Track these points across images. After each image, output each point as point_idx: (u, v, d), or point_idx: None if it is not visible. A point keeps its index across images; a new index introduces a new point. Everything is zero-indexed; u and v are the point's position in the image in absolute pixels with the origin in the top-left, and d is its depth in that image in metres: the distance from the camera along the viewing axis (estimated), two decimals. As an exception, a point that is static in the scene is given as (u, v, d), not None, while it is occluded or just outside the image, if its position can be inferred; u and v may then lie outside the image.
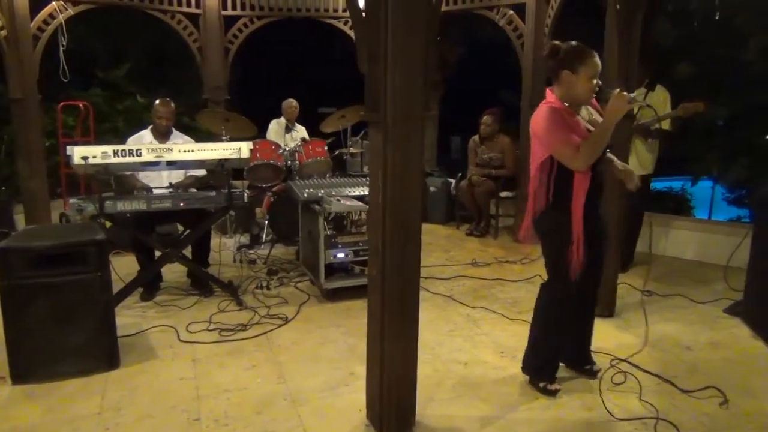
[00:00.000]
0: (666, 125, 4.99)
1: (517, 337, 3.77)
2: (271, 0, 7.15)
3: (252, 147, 4.68)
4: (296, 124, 6.87)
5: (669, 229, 5.96)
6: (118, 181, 4.54)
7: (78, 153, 3.74)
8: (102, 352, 3.30)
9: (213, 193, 4.27)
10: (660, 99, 4.97)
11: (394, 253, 2.45)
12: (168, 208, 4.10)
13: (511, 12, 6.36)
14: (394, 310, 2.52)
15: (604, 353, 3.47)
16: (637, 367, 3.35)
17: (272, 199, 5.73)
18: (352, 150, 6.80)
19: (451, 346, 3.72)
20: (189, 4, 6.81)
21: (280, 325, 4.01)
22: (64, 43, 5.99)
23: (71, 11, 5.98)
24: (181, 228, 4.94)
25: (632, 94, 2.75)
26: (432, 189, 7.57)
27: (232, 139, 5.51)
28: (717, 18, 4.24)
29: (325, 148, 5.98)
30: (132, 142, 4.65)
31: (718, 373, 3.32)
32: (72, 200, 3.94)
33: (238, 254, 5.61)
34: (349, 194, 4.74)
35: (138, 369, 3.36)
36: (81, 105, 7.01)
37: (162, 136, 4.80)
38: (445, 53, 9.61)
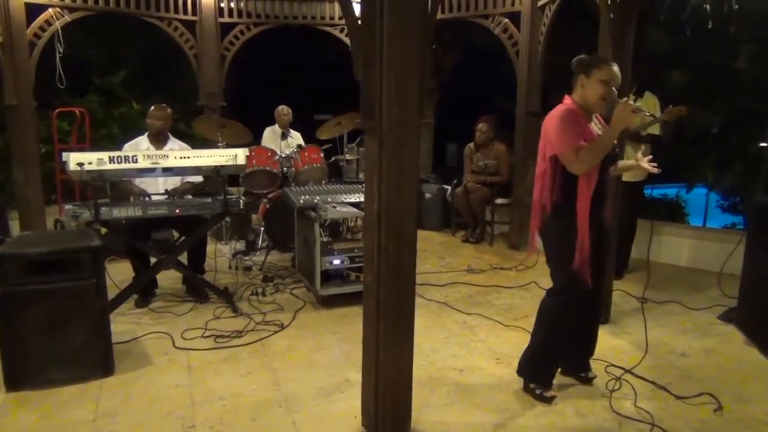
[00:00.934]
0: (656, 130, 5.03)
1: (512, 343, 3.78)
2: (268, 7, 7.17)
3: (248, 153, 4.69)
4: (291, 130, 6.88)
5: (663, 236, 5.98)
6: (114, 187, 4.54)
7: (73, 159, 3.74)
8: (97, 359, 3.28)
9: (209, 200, 4.27)
10: (649, 105, 5.00)
11: (390, 260, 2.46)
12: (164, 215, 4.10)
13: (506, 20, 6.40)
14: (389, 317, 2.52)
15: (599, 360, 3.46)
16: (631, 373, 3.35)
17: (268, 206, 5.73)
18: (347, 157, 6.81)
19: (447, 352, 3.72)
20: (185, 12, 6.83)
21: (276, 332, 4.00)
22: (61, 50, 5.99)
23: (67, 18, 5.99)
24: (176, 234, 4.93)
25: (638, 104, 2.78)
26: (428, 196, 7.59)
27: (228, 146, 5.52)
28: (709, 26, 4.27)
29: (321, 154, 5.99)
30: (128, 149, 4.65)
31: (713, 380, 3.33)
32: (67, 206, 3.93)
33: (233, 261, 5.60)
34: (345, 201, 4.75)
35: (133, 376, 3.35)
36: (77, 111, 7.00)
37: (158, 141, 4.80)
38: (440, 61, 9.65)
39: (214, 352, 3.67)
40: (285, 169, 5.86)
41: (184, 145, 4.94)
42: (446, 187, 7.55)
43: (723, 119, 8.56)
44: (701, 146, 9.08)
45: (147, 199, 4.29)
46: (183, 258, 4.62)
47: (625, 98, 2.82)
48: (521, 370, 3.20)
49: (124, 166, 3.87)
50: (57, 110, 6.89)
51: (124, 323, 4.10)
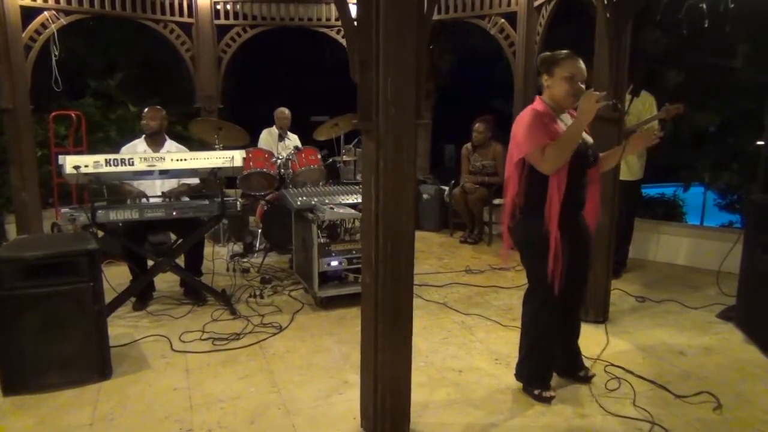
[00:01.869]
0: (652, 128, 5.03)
1: (511, 344, 3.77)
2: (264, 9, 7.17)
3: (245, 155, 4.68)
4: (289, 132, 6.88)
5: (661, 235, 5.99)
6: (112, 189, 4.53)
7: (70, 162, 3.73)
8: (94, 363, 3.27)
9: (206, 202, 4.25)
10: (646, 104, 5.02)
11: (387, 261, 2.46)
12: (161, 217, 4.09)
13: (503, 21, 6.41)
14: (387, 318, 2.52)
15: (599, 360, 3.48)
16: (631, 372, 3.36)
17: (265, 208, 5.73)
18: (345, 158, 6.81)
19: (445, 353, 3.71)
20: (182, 14, 6.84)
21: (274, 334, 4.00)
22: (57, 53, 5.98)
23: (63, 21, 5.98)
24: (173, 237, 4.93)
25: (602, 93, 2.75)
26: (425, 197, 7.59)
27: (225, 148, 5.52)
28: (706, 26, 4.28)
29: (319, 156, 5.99)
30: (125, 151, 4.65)
31: (712, 379, 3.33)
32: (64, 210, 3.92)
33: (231, 263, 5.60)
34: (343, 202, 4.74)
35: (130, 379, 3.33)
36: (73, 115, 6.99)
37: (155, 143, 4.80)
38: (437, 62, 9.65)
39: (212, 355, 3.66)
40: (282, 170, 5.85)
41: (181, 147, 4.94)
42: (444, 187, 7.55)
43: (720, 118, 8.60)
44: (698, 145, 9.12)
45: (144, 201, 4.28)
46: (180, 260, 4.61)
47: (591, 89, 2.79)
48: (518, 374, 3.21)
49: (120, 168, 3.86)
50: (53, 113, 6.87)
51: (121, 326, 4.09)
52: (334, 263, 4.48)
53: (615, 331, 4.03)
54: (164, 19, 6.73)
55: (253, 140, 6.52)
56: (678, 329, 4.10)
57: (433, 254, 6.33)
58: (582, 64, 2.87)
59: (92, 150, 7.25)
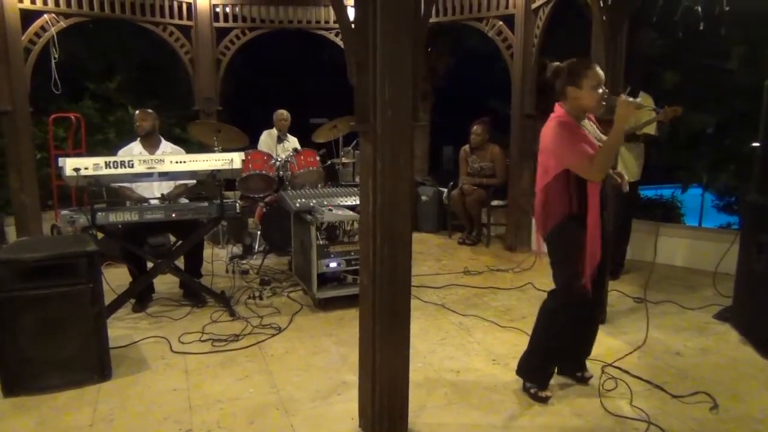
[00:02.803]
0: (651, 130, 5.05)
1: (509, 344, 3.79)
2: (263, 12, 7.19)
3: (244, 158, 4.70)
4: (288, 134, 6.89)
5: (659, 236, 6.00)
6: (112, 192, 4.55)
7: (69, 165, 3.75)
8: (94, 364, 3.28)
9: (205, 204, 4.27)
10: (644, 105, 5.03)
11: (385, 262, 2.47)
12: (160, 219, 4.10)
13: (500, 23, 6.42)
14: (385, 319, 2.53)
15: (596, 360, 3.47)
16: (627, 373, 3.37)
17: (264, 210, 5.74)
18: (343, 160, 6.83)
19: (443, 354, 3.73)
20: (181, 16, 6.85)
21: (273, 335, 4.01)
22: (56, 56, 5.99)
23: (63, 24, 5.99)
24: (173, 239, 4.94)
25: (638, 99, 2.81)
26: (424, 198, 7.61)
27: (223, 150, 5.54)
28: (701, 28, 4.30)
29: (317, 158, 6.00)
30: (122, 154, 4.67)
31: (708, 379, 3.34)
32: (63, 212, 3.94)
33: (230, 264, 5.61)
34: (341, 204, 4.76)
35: (130, 380, 3.35)
36: (72, 117, 7.00)
37: (150, 145, 4.85)
38: (435, 64, 9.66)
39: (211, 356, 3.68)
40: (281, 172, 5.87)
41: (177, 147, 4.97)
42: (442, 189, 7.58)
43: (716, 120, 8.64)
44: (695, 147, 9.15)
45: (143, 203, 4.30)
46: (180, 262, 4.63)
47: (623, 95, 2.82)
48: (520, 370, 3.22)
49: (120, 171, 3.88)
50: (53, 116, 6.89)
51: (121, 328, 4.11)
52: (333, 265, 4.50)
53: (612, 331, 4.06)
54: (163, 21, 6.74)
55: (252, 142, 6.53)
56: (675, 330, 4.12)
57: (432, 256, 6.35)
58: (599, 68, 2.91)
59: (91, 152, 7.27)
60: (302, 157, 5.89)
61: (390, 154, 2.38)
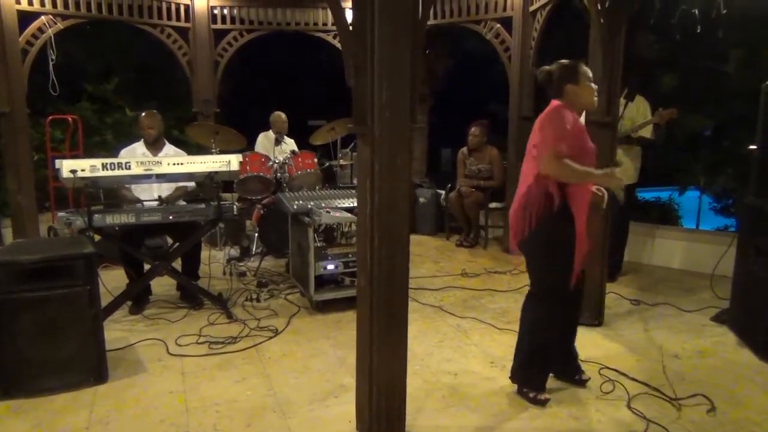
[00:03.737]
0: (647, 133, 5.07)
1: (506, 347, 3.79)
2: (261, 14, 7.20)
3: (242, 160, 4.70)
4: (285, 136, 6.89)
5: (656, 239, 6.03)
6: (110, 192, 4.54)
7: (66, 166, 3.75)
8: (90, 366, 3.28)
9: (202, 206, 4.27)
10: (640, 109, 5.06)
11: (383, 264, 2.47)
12: (157, 221, 4.10)
13: (498, 25, 6.44)
14: (383, 321, 2.53)
15: (593, 362, 3.50)
16: (625, 375, 3.38)
17: (262, 212, 5.74)
18: (341, 162, 6.84)
19: (441, 356, 3.73)
20: (179, 18, 6.85)
21: (270, 338, 4.01)
22: (54, 57, 5.99)
23: (60, 25, 5.98)
24: (170, 241, 4.93)
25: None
26: (422, 200, 7.62)
27: (221, 152, 5.54)
28: (699, 31, 4.32)
29: (315, 160, 6.00)
30: (125, 155, 4.67)
31: (705, 381, 3.35)
32: (60, 214, 3.94)
33: (227, 267, 5.61)
34: (339, 206, 4.76)
35: (127, 383, 3.34)
36: (70, 119, 7.00)
37: (154, 147, 4.83)
38: (433, 66, 9.68)
39: (208, 359, 3.67)
40: (279, 174, 5.86)
41: (179, 150, 4.97)
42: (440, 191, 7.58)
43: (714, 123, 8.68)
44: (693, 149, 9.19)
45: (140, 205, 4.30)
46: (177, 264, 4.63)
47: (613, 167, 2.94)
48: (514, 376, 3.22)
49: (117, 173, 3.88)
50: (50, 117, 6.89)
51: (117, 330, 4.10)
52: (331, 267, 4.50)
53: (609, 334, 4.06)
54: (161, 23, 6.74)
55: (250, 144, 6.54)
56: (672, 332, 4.13)
57: (430, 258, 6.35)
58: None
59: (89, 154, 7.27)
60: (300, 160, 5.89)
61: (388, 156, 2.38)
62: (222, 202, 4.26)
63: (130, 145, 4.92)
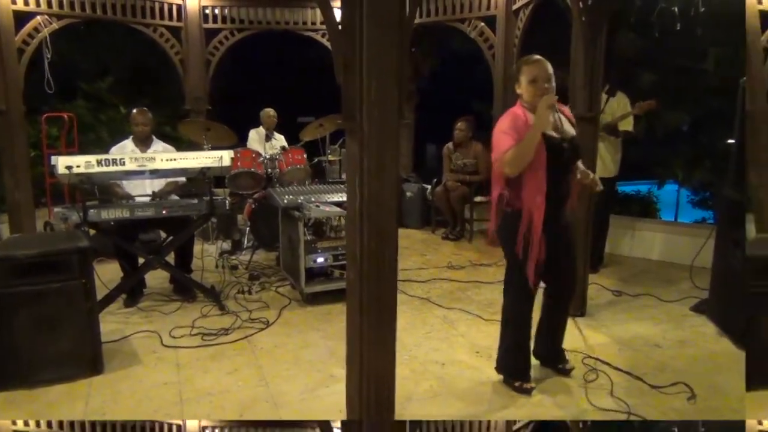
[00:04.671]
0: (628, 126, 5.17)
1: (492, 337, 3.83)
2: (251, 13, 7.26)
3: (233, 155, 4.75)
4: (275, 132, 6.95)
5: (636, 231, 6.12)
6: (103, 190, 4.59)
7: (62, 163, 3.80)
8: (86, 358, 3.32)
9: (195, 201, 4.33)
10: (621, 104, 5.16)
11: (372, 257, 2.49)
12: (151, 216, 4.16)
13: (482, 24, 6.51)
14: (372, 313, 2.56)
15: (577, 352, 3.58)
16: (608, 364, 3.45)
17: (253, 206, 5.80)
18: (330, 158, 6.89)
19: (428, 347, 3.80)
20: (171, 18, 6.91)
21: (262, 329, 4.06)
22: (49, 56, 6.03)
23: (55, 25, 6.03)
24: (164, 235, 4.99)
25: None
26: (408, 194, 7.66)
27: (213, 148, 5.58)
28: (677, 28, 4.41)
29: (304, 156, 6.07)
30: (115, 152, 4.71)
31: (686, 370, 3.41)
32: (56, 209, 3.99)
33: (220, 260, 5.64)
34: (328, 200, 4.82)
35: (122, 374, 3.39)
36: (65, 116, 7.03)
37: (143, 144, 4.88)
38: (419, 64, 9.72)
39: (201, 350, 3.72)
40: (269, 170, 5.92)
41: (168, 146, 5.02)
42: (426, 186, 7.64)
43: (692, 118, 8.81)
44: (672, 144, 9.32)
45: (134, 200, 4.35)
46: (171, 258, 4.68)
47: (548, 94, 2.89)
48: (498, 366, 3.29)
49: (111, 168, 3.93)
50: (45, 115, 6.93)
51: (112, 322, 4.14)
52: (320, 260, 4.55)
53: (592, 324, 4.14)
54: (154, 23, 6.80)
55: (241, 140, 6.59)
56: (653, 322, 4.20)
57: (416, 251, 6.42)
58: (545, 66, 2.96)
59: (84, 151, 7.30)
60: (290, 155, 5.96)
61: (376, 151, 2.40)
62: (214, 197, 4.31)
63: (120, 143, 4.98)
